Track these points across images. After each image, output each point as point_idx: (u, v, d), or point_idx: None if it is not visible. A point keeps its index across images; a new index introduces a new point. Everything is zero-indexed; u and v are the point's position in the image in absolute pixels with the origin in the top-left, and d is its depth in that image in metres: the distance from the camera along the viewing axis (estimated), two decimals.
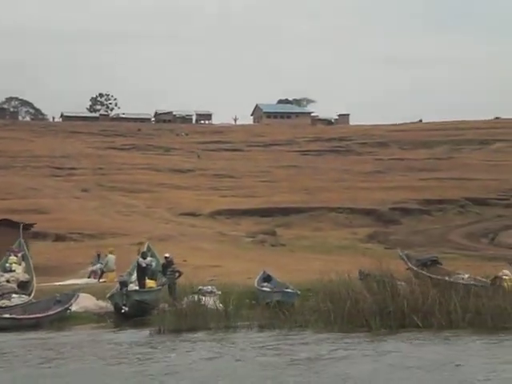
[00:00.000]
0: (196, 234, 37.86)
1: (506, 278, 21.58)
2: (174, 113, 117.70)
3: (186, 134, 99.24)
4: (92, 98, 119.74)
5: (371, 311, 14.15)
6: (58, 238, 35.58)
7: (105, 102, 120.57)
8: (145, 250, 21.06)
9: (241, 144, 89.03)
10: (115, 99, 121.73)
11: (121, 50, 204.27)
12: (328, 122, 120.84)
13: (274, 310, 16.94)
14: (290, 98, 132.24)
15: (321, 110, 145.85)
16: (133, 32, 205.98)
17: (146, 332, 15.06)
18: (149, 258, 19.95)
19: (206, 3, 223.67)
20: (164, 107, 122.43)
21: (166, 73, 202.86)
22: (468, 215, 47.08)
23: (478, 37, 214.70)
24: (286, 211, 46.75)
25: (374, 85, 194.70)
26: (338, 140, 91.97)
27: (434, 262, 21.42)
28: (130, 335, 14.98)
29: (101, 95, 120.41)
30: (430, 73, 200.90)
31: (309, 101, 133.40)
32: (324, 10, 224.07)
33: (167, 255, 19.92)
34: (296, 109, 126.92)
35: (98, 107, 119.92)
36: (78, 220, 39.70)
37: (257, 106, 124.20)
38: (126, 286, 17.90)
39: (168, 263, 19.28)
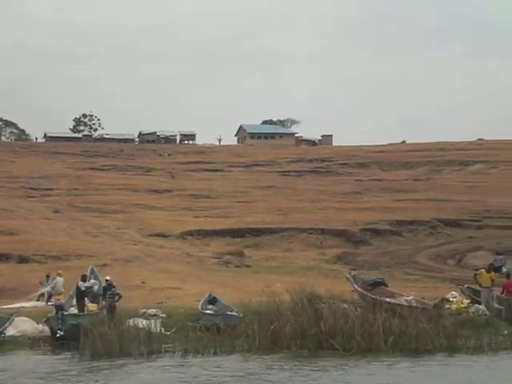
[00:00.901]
0: (163, 255, 37.76)
1: (453, 300, 21.73)
2: (158, 133, 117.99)
3: (169, 155, 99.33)
4: (75, 118, 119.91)
5: (293, 333, 14.11)
6: (22, 259, 35.36)
7: (88, 123, 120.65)
8: (87, 273, 20.96)
9: (222, 164, 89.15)
10: (99, 120, 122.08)
11: (107, 69, 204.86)
12: (312, 142, 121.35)
13: (212, 332, 16.92)
14: (275, 119, 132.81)
15: (306, 130, 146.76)
16: (119, 51, 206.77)
17: (73, 357, 14.96)
18: (91, 281, 19.88)
19: (194, 23, 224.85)
20: (148, 128, 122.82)
21: (152, 93, 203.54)
22: (439, 236, 47.09)
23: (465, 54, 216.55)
24: (257, 232, 46.67)
25: (362, 104, 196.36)
26: (320, 161, 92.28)
27: (380, 284, 21.48)
28: (52, 362, 14.86)
29: (84, 116, 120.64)
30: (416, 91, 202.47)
31: (293, 121, 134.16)
32: (311, 29, 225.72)
33: (108, 278, 19.86)
34: (280, 129, 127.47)
35: (82, 128, 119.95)
36: (46, 241, 39.53)
37: (241, 126, 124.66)
38: (63, 310, 17.78)
39: (108, 286, 19.21)
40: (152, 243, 41.22)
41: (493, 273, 21.67)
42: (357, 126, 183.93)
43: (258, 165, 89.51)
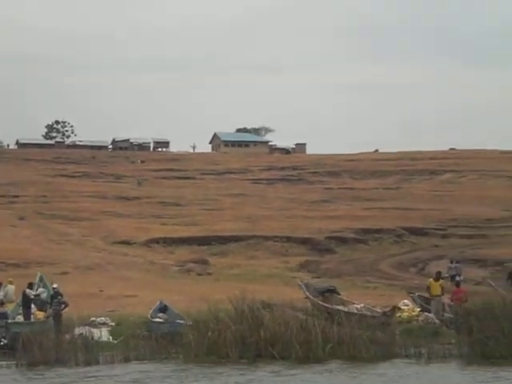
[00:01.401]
0: (125, 262, 37.61)
1: (405, 308, 21.89)
2: (132, 140, 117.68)
3: (142, 162, 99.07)
4: (48, 125, 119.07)
5: (233, 341, 14.12)
6: None
7: (61, 129, 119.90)
8: (35, 281, 20.82)
9: (194, 172, 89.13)
10: (71, 126, 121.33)
11: (81, 76, 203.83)
12: (286, 151, 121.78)
13: (158, 341, 16.89)
14: (249, 127, 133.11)
15: (280, 138, 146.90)
16: (93, 59, 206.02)
17: (9, 367, 14.83)
18: (40, 289, 19.74)
19: (168, 32, 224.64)
20: (123, 135, 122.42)
21: (126, 100, 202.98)
22: (404, 245, 47.46)
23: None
24: (223, 240, 46.67)
25: (337, 111, 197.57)
26: (292, 169, 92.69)
27: (331, 292, 21.61)
28: None
29: (57, 122, 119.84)
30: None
31: (267, 130, 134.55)
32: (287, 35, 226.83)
33: (55, 286, 19.74)
34: (254, 138, 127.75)
35: (54, 134, 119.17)
36: (8, 249, 39.14)
37: (215, 134, 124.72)
38: (7, 318, 17.63)
39: (55, 294, 19.09)
40: (116, 251, 41.05)
41: (442, 281, 21.86)
42: (343, 136, 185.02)
43: (231, 172, 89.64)
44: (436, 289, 21.23)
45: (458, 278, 30.08)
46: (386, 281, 36.05)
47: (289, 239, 46.52)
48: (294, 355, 13.80)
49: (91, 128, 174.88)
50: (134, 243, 43.77)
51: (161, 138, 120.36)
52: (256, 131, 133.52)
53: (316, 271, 39.23)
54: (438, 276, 21.92)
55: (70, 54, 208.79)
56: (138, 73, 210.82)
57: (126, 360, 14.96)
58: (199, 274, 34.87)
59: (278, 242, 46.50)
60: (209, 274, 35.50)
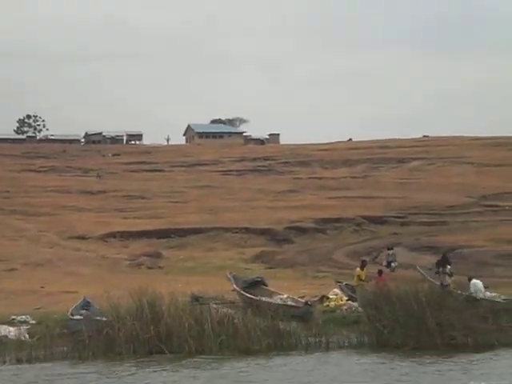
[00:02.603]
0: (77, 258, 37.38)
1: (333, 297, 21.93)
2: (104, 133, 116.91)
3: (113, 155, 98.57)
4: (19, 119, 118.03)
5: (129, 338, 14.00)
6: None
7: (33, 124, 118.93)
8: None
9: (164, 164, 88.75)
10: (43, 120, 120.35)
11: (50, 69, 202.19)
12: (261, 141, 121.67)
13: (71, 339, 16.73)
14: (223, 118, 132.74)
15: (255, 129, 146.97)
16: (62, 49, 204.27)
17: None
18: None
19: (139, 21, 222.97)
20: (96, 128, 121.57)
21: (100, 93, 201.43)
22: (363, 233, 47.50)
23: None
24: (183, 232, 46.51)
25: (312, 102, 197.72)
26: (263, 160, 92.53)
27: (259, 283, 21.58)
28: None
29: (28, 117, 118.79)
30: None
31: (242, 120, 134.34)
32: (260, 29, 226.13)
33: None
34: (229, 129, 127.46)
35: (26, 129, 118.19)
36: None
37: (189, 126, 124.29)
38: None
39: None
40: (69, 246, 40.78)
41: (364, 269, 21.95)
42: (320, 126, 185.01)
43: (201, 164, 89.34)
44: (363, 277, 21.29)
45: (393, 265, 30.53)
46: (337, 270, 36.13)
47: (248, 230, 46.44)
48: (187, 349, 13.71)
49: (64, 122, 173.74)
50: (90, 238, 43.50)
51: (134, 130, 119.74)
52: (231, 122, 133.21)
53: (270, 262, 39.27)
54: (363, 264, 21.95)
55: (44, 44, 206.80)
56: (112, 64, 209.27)
57: (19, 361, 14.76)
58: (149, 268, 34.76)
59: (237, 233, 46.42)
60: (160, 267, 35.39)
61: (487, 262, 34.11)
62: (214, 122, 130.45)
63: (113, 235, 44.69)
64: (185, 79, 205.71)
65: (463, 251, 36.08)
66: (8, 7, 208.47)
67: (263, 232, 46.32)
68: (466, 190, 59.84)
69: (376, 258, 40.09)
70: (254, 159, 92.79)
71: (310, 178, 76.25)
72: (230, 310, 18.02)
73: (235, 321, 14.79)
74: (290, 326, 15.78)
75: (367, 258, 34.51)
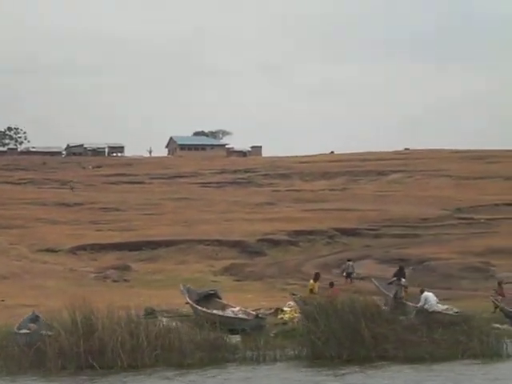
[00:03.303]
0: (44, 271, 37.07)
1: (287, 309, 21.84)
2: (86, 146, 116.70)
3: (93, 167, 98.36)
4: (0, 131, 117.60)
5: (59, 353, 13.83)
6: None
7: (14, 136, 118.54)
8: None
9: (144, 177, 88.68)
10: (24, 133, 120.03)
11: (32, 80, 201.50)
12: (243, 153, 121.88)
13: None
14: (206, 131, 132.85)
15: (239, 141, 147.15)
16: (47, 63, 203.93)
17: None
18: None
19: (126, 33, 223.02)
20: (78, 141, 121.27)
21: (84, 106, 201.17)
22: (335, 246, 47.49)
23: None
24: (155, 244, 46.30)
25: (297, 114, 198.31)
26: (244, 172, 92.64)
27: (213, 296, 21.48)
28: None
29: (9, 129, 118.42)
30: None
31: (225, 133, 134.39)
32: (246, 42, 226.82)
33: None
34: (211, 141, 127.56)
35: (7, 141, 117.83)
36: None
37: (171, 138, 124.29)
38: None
39: None
40: (38, 259, 40.47)
41: (318, 283, 21.93)
42: (304, 138, 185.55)
43: (181, 176, 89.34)
44: (316, 289, 21.26)
45: (353, 275, 30.91)
46: (305, 282, 35.76)
47: (220, 243, 46.30)
48: (119, 364, 13.56)
49: (46, 135, 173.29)
50: (60, 250, 43.20)
51: (115, 143, 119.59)
52: (213, 134, 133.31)
53: (239, 274, 39.15)
54: (316, 277, 21.92)
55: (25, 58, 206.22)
56: (92, 77, 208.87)
57: None
58: (115, 281, 34.51)
59: (208, 245, 46.26)
60: (126, 280, 35.15)
61: (453, 274, 34.22)
62: (196, 134, 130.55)
63: (83, 248, 44.40)
64: (171, 92, 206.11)
65: (430, 264, 36.16)
66: None
67: (235, 244, 46.18)
68: (441, 203, 60.09)
69: (345, 270, 40.16)
70: (235, 171, 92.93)
71: (288, 190, 76.40)
72: (178, 324, 17.91)
73: (170, 335, 14.63)
74: (228, 339, 15.70)
75: (350, 270, 34.67)
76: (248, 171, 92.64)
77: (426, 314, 20.33)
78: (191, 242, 46.85)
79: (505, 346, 15.81)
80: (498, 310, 22.60)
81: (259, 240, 46.89)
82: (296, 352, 15.41)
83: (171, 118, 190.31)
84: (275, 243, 46.95)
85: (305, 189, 77.36)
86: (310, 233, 48.90)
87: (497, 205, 58.22)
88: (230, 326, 18.57)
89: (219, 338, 14.85)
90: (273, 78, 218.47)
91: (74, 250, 43.56)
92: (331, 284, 22.16)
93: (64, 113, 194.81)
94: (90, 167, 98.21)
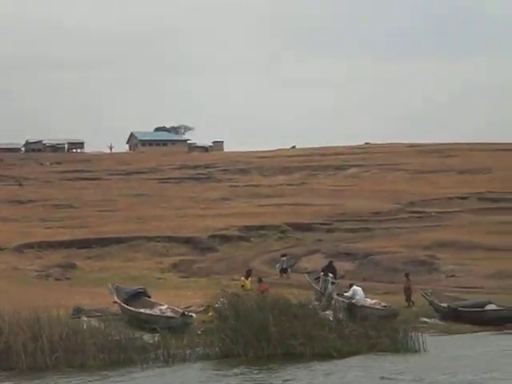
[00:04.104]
0: None
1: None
2: (45, 142, 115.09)
3: (50, 164, 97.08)
4: None
5: None
6: None
7: None
8: None
9: (102, 173, 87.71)
10: None
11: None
12: (205, 149, 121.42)
13: None
14: (168, 126, 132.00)
15: (202, 136, 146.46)
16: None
17: None
18: None
19: (82, 25, 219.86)
20: (37, 137, 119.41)
21: (45, 100, 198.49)
22: (287, 241, 47.44)
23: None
24: (105, 242, 45.73)
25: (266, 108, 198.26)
26: (204, 167, 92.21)
27: (141, 294, 21.20)
28: None
29: None
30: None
31: (187, 128, 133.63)
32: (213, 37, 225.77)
33: None
34: (172, 136, 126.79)
35: None
36: None
37: (132, 133, 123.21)
38: None
39: None
40: None
41: (249, 279, 21.83)
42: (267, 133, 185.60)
43: (140, 172, 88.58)
44: (248, 286, 21.16)
45: (289, 271, 31.09)
46: (252, 277, 35.96)
47: (170, 239, 45.93)
48: (19, 366, 13.24)
49: (5, 130, 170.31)
50: (5, 248, 42.41)
51: (75, 138, 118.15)
52: (175, 130, 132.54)
53: (187, 271, 38.87)
54: (248, 273, 21.80)
55: None
56: (53, 72, 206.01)
57: None
58: (57, 279, 33.94)
59: (159, 242, 45.87)
60: (68, 278, 34.60)
61: (397, 268, 34.35)
62: (157, 129, 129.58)
63: (30, 246, 43.64)
64: (134, 87, 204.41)
65: (375, 257, 36.31)
66: None
67: (186, 241, 45.87)
68: (395, 197, 60.48)
69: (294, 265, 40.14)
70: (195, 167, 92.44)
71: (246, 185, 76.20)
72: (101, 324, 17.58)
73: (73, 336, 14.28)
74: (144, 338, 15.44)
75: (284, 265, 34.64)
76: (208, 167, 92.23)
77: (353, 308, 20.40)
78: (142, 238, 46.38)
79: (414, 339, 15.86)
80: (411, 304, 22.79)
81: (211, 236, 46.62)
82: (206, 351, 15.22)
83: (133, 113, 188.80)
84: (227, 239, 46.72)
85: (263, 184, 77.22)
86: (262, 228, 48.81)
87: (450, 198, 58.80)
88: (156, 325, 18.34)
89: (127, 338, 14.55)
90: (245, 73, 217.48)
91: (20, 248, 42.77)
92: (260, 280, 22.03)
93: (20, 108, 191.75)
94: (48, 163, 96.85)
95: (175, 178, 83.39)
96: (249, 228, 48.31)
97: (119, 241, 46.08)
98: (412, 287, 23.95)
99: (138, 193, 69.81)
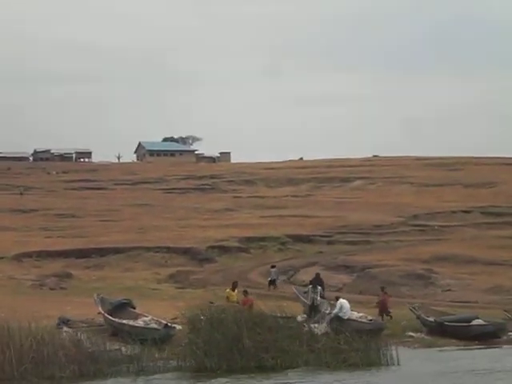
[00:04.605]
0: None
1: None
2: (53, 151, 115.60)
3: (57, 173, 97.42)
4: None
5: None
6: None
7: None
8: None
9: (108, 182, 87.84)
10: None
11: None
12: (212, 159, 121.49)
13: None
14: (176, 136, 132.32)
15: (210, 147, 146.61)
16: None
17: None
18: None
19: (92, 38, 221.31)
20: (47, 146, 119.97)
21: (56, 112, 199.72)
22: (288, 252, 47.20)
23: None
24: (104, 251, 45.67)
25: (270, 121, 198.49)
26: (210, 178, 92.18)
27: (126, 305, 21.03)
28: None
29: None
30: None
31: (195, 138, 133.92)
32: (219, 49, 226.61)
33: None
34: (180, 147, 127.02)
35: None
36: None
37: (140, 143, 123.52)
38: None
39: None
40: None
41: (236, 291, 21.67)
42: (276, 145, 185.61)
43: (146, 182, 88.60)
44: (234, 298, 21.00)
45: (277, 282, 31.03)
46: (249, 289, 35.71)
47: (169, 250, 45.80)
48: None
49: (14, 140, 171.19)
50: (4, 258, 42.39)
51: (83, 148, 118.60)
52: (183, 140, 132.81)
53: (184, 282, 38.68)
54: (234, 286, 21.65)
55: None
56: (62, 85, 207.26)
57: None
58: (52, 289, 33.82)
59: (158, 252, 45.76)
60: (62, 288, 34.49)
61: (394, 281, 34.03)
62: (166, 139, 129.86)
63: (29, 255, 43.61)
64: (144, 98, 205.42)
65: (371, 271, 35.98)
66: None
67: (185, 251, 45.71)
68: (398, 210, 60.10)
69: (291, 277, 39.91)
70: (200, 177, 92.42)
71: (250, 196, 76.03)
72: (82, 335, 17.42)
73: (43, 347, 14.13)
74: (122, 350, 15.27)
75: (273, 277, 34.43)
76: (214, 177, 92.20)
77: (340, 321, 20.13)
78: (141, 248, 46.28)
79: (387, 354, 15.60)
80: (389, 317, 22.39)
81: (210, 247, 46.46)
82: (179, 363, 15.03)
83: (142, 123, 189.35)
84: (226, 250, 46.54)
85: (268, 195, 77.03)
86: (262, 239, 48.62)
87: (454, 212, 58.37)
88: (139, 336, 18.17)
89: (99, 350, 14.39)
90: (251, 86, 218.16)
91: (18, 257, 42.74)
92: (245, 292, 21.81)
93: (30, 120, 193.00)
94: (54, 172, 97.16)
95: (180, 189, 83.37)
96: (249, 239, 48.12)
97: (118, 251, 45.97)
98: (389, 301, 23.38)
99: (142, 203, 69.74)
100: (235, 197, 75.47)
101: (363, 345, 15.42)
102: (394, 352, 15.74)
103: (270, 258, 45.86)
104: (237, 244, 47.40)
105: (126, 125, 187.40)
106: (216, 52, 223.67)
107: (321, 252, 46.71)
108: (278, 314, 18.14)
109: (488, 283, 32.89)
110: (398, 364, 15.57)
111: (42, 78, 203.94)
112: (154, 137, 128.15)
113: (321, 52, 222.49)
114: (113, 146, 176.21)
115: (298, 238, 49.10)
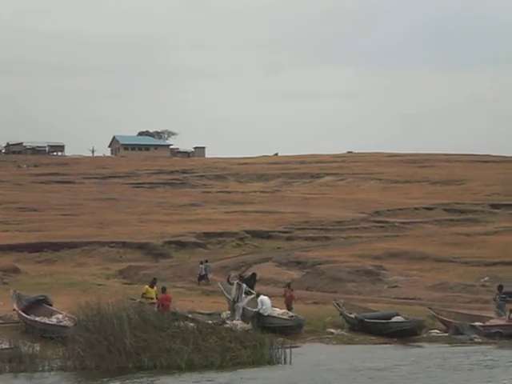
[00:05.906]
0: None
1: None
2: (25, 144, 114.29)
3: (27, 166, 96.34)
4: None
5: None
6: None
7: None
8: None
9: (77, 176, 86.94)
10: None
11: None
12: (187, 154, 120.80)
13: None
14: (151, 131, 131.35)
15: (185, 141, 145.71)
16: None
17: None
18: None
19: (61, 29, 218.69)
20: (18, 139, 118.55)
21: (33, 105, 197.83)
22: (245, 248, 46.85)
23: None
24: (58, 246, 45.08)
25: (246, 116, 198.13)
26: (181, 173, 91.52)
27: (42, 302, 20.51)
28: None
29: None
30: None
31: (170, 133, 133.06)
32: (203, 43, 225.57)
33: None
34: (155, 141, 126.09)
35: None
36: None
37: (114, 137, 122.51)
38: None
39: None
40: None
41: (155, 288, 21.29)
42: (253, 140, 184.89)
43: (115, 177, 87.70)
44: (152, 295, 20.59)
45: (209, 276, 30.80)
46: (195, 285, 35.38)
47: (125, 244, 45.29)
48: None
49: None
50: None
51: (56, 141, 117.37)
52: (159, 135, 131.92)
53: (133, 277, 38.13)
54: (153, 282, 21.24)
55: None
56: (42, 78, 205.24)
57: None
58: None
59: (113, 247, 45.23)
60: (5, 283, 33.84)
61: (342, 277, 33.76)
62: (141, 134, 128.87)
63: None
64: (125, 91, 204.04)
65: (320, 267, 35.67)
66: None
67: (140, 246, 45.23)
68: (362, 206, 59.87)
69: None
70: (171, 172, 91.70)
71: (219, 191, 75.49)
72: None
73: None
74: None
75: (203, 272, 34.15)
76: (185, 172, 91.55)
77: (261, 317, 19.81)
78: (96, 243, 45.76)
79: (278, 352, 15.24)
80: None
81: (166, 242, 45.99)
82: (62, 363, 14.58)
83: (119, 117, 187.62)
84: (182, 245, 46.10)
85: (237, 190, 76.54)
86: (221, 235, 48.19)
87: (416, 208, 58.23)
88: (50, 334, 17.72)
89: None
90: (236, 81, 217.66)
91: None
92: (163, 289, 21.35)
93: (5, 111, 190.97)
94: (24, 166, 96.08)
95: (149, 183, 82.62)
96: (207, 235, 47.70)
97: (72, 245, 45.44)
98: (295, 296, 22.95)
99: (108, 197, 69.06)
100: (204, 192, 74.92)
101: (253, 343, 15.04)
102: (287, 350, 15.37)
103: (226, 253, 45.50)
104: (194, 239, 46.95)
105: (103, 118, 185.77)
106: (205, 45, 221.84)
107: (278, 248, 46.34)
108: (189, 314, 17.84)
109: (435, 280, 32.71)
110: (290, 363, 15.21)
111: (29, 70, 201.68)
112: (131, 131, 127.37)
113: (313, 46, 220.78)
114: (90, 140, 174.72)
115: (257, 234, 48.74)
